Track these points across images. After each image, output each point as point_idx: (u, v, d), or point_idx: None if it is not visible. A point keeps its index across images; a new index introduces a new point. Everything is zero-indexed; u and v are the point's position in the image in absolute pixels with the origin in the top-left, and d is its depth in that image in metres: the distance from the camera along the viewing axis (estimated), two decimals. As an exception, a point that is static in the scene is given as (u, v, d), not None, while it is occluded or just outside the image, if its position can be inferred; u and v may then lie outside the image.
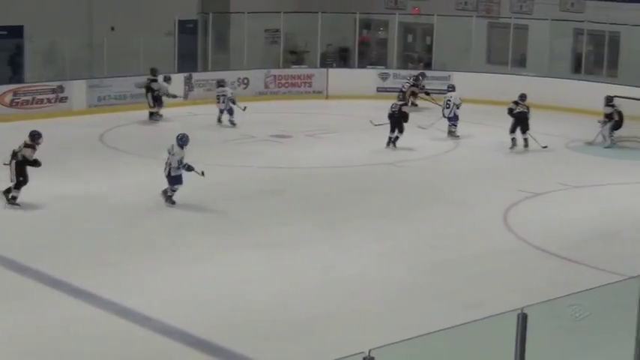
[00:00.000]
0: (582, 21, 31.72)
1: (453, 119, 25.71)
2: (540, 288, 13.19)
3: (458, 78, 31.61)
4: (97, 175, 20.24)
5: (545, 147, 24.15)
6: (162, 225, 17.09)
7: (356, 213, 18.01)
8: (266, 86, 31.87)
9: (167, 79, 27.86)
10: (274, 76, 32.12)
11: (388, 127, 24.06)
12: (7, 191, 17.87)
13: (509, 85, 30.83)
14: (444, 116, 25.82)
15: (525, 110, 24.31)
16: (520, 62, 33.62)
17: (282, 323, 12.47)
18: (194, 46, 32.99)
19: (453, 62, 32.94)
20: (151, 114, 27.10)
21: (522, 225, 17.41)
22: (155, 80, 27.22)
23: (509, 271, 15.00)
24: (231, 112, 26.57)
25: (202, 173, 18.06)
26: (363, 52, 35.44)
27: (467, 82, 31.42)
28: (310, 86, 32.32)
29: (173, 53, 30.89)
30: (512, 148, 24.17)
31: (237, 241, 16.09)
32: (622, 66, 31.35)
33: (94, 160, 21.85)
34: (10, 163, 17.87)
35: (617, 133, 24.96)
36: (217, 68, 31.46)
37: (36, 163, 17.88)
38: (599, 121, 25.08)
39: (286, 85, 32.13)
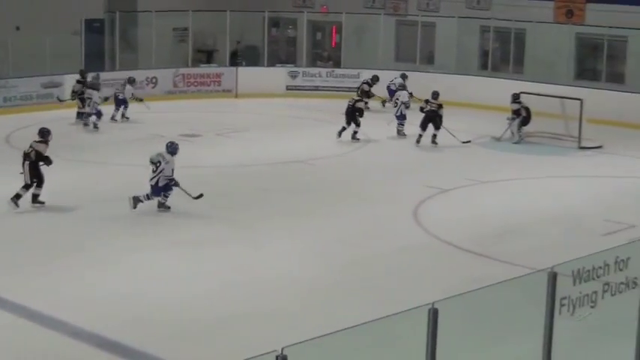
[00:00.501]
0: (489, 18, 32.15)
1: (400, 118, 25.66)
2: (450, 283, 13.31)
3: (367, 75, 31.79)
4: (3, 178, 19.87)
5: (468, 142, 24.36)
6: (74, 226, 16.87)
7: (268, 211, 17.98)
8: (175, 85, 31.66)
9: (132, 82, 27.55)
10: (183, 75, 31.93)
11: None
12: (17, 197, 17.67)
13: (417, 82, 31.12)
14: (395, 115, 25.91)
15: (435, 108, 24.50)
16: (428, 59, 33.95)
17: (196, 323, 12.39)
18: (101, 46, 32.60)
19: (362, 60, 33.09)
20: (79, 114, 26.54)
21: (432, 221, 17.57)
22: (83, 82, 26.76)
23: (420, 266, 15.12)
24: (126, 105, 26.96)
25: (199, 196, 17.64)
26: (273, 51, 35.43)
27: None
28: (219, 85, 32.20)
29: (80, 53, 30.49)
30: (417, 143, 24.37)
31: (150, 242, 15.96)
32: (528, 62, 31.84)
33: (0, 162, 21.46)
34: (22, 165, 17.85)
35: (525, 128, 25.36)
36: (125, 67, 31.14)
37: (47, 160, 17.87)
38: (508, 118, 25.41)
39: (195, 84, 31.98)
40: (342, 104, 28.35)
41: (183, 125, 26.09)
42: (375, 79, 29.93)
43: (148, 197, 17.47)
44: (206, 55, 34.90)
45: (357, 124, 24.82)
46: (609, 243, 13.15)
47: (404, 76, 29.62)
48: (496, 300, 7.99)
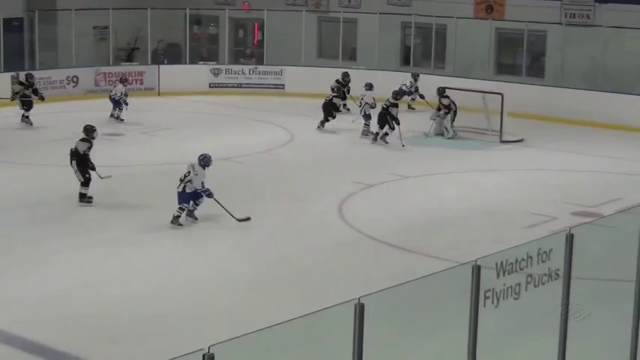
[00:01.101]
0: (410, 14, 32.34)
1: (365, 118, 25.34)
2: (377, 278, 13.38)
3: (290, 72, 31.87)
4: None
5: (403, 146, 24.44)
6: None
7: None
8: (96, 84, 31.31)
9: (124, 81, 27.15)
10: (104, 73, 31.58)
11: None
12: (82, 196, 17.88)
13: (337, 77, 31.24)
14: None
15: (386, 106, 24.46)
16: (350, 56, 34.07)
17: (124, 323, 12.29)
18: (20, 45, 32.13)
19: (285, 56, 33.09)
20: (24, 116, 26.06)
21: (357, 217, 17.64)
22: (26, 84, 26.19)
23: (346, 262, 15.18)
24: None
25: (244, 219, 17.00)
26: (195, 48, 35.24)
27: (298, 77, 31.75)
28: (142, 83, 31.95)
29: (-1, 52, 30.06)
30: (373, 140, 24.55)
31: (77, 241, 15.79)
32: (449, 58, 32.13)
33: None
34: (71, 164, 17.89)
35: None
36: (45, 67, 30.75)
37: (86, 158, 17.91)
38: (437, 115, 25.54)
39: (117, 82, 31.66)
40: (266, 101, 28.40)
41: (105, 124, 25.82)
42: (346, 76, 28.60)
43: (181, 209, 16.96)
44: (127, 54, 34.60)
45: (333, 117, 25.68)
46: (532, 235, 13.36)
47: (416, 76, 29.18)
48: (421, 294, 8.05)
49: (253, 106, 28.69)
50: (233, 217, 16.80)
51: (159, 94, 31.71)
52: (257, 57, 34.71)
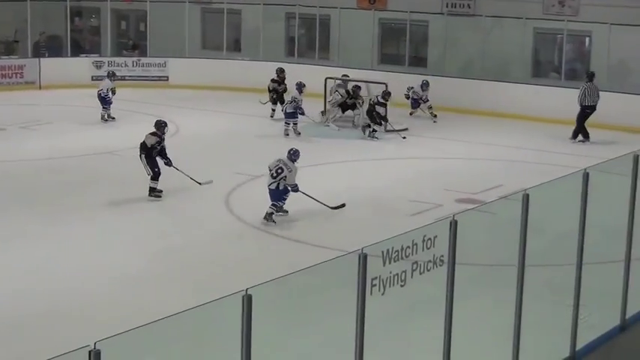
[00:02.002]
0: (294, 5, 32.41)
1: (290, 117, 24.74)
2: (265, 268, 13.39)
3: (174, 64, 31.64)
4: None
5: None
6: None
7: (78, 204, 17.64)
8: (-25, 78, 30.63)
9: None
10: (-17, 67, 30.90)
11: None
12: (152, 190, 17.99)
13: (224, 70, 31.21)
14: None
15: (372, 102, 24.54)
16: (235, 47, 33.97)
17: (3, 325, 12.05)
18: None
19: (169, 48, 32.83)
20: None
21: (243, 208, 17.63)
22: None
23: (233, 254, 15.16)
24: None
25: (338, 206, 16.83)
26: (76, 41, 34.66)
27: (183, 68, 31.55)
28: (22, 77, 31.29)
29: None
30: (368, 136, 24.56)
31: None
32: (333, 48, 32.29)
33: None
34: (140, 158, 18.09)
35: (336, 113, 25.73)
36: None
37: (153, 149, 17.92)
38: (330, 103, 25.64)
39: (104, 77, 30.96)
40: (150, 93, 28.13)
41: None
42: (426, 86, 27.13)
43: (275, 206, 16.71)
44: (6, 47, 33.85)
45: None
46: (416, 223, 13.51)
47: (426, 85, 27.23)
48: (309, 283, 8.09)
49: (137, 98, 28.36)
50: (327, 206, 16.75)
51: (40, 88, 31.11)
52: (140, 49, 34.34)
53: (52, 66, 31.61)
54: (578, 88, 25.08)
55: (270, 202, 16.71)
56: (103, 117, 25.77)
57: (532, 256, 10.08)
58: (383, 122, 24.45)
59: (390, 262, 8.24)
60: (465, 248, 9.16)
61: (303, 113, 24.45)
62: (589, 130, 24.45)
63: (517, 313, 9.78)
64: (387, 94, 24.72)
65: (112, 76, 26.58)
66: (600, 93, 24.89)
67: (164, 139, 18.47)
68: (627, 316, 11.67)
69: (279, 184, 16.89)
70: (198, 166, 20.89)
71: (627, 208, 11.64)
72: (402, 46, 31.35)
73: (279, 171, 16.90)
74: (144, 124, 25.10)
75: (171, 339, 6.97)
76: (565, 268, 11.08)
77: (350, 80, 26.58)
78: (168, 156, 18.44)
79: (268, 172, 17.04)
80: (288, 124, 24.50)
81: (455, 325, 8.87)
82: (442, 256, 8.80)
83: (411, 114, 27.14)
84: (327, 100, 25.95)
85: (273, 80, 26.84)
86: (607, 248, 12.54)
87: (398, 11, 30.83)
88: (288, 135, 24.29)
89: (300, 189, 16.96)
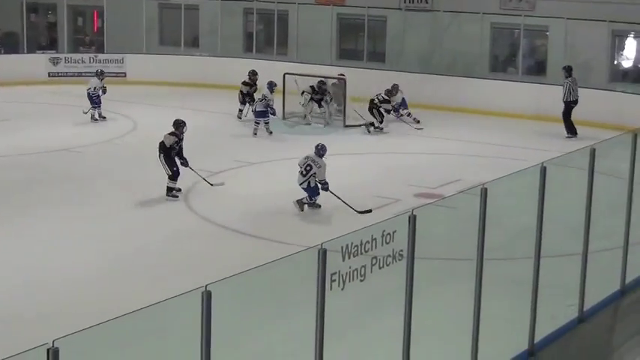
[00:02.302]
0: (252, 0, 32.36)
1: (259, 115, 24.35)
2: (224, 265, 13.36)
3: (131, 60, 31.48)
4: None
5: (420, 129, 24.35)
6: None
7: (33, 203, 17.49)
8: None
9: (100, 74, 25.59)
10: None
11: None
12: (169, 190, 17.83)
13: (182, 66, 31.12)
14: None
15: (377, 101, 24.68)
16: (193, 43, 33.86)
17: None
18: None
19: (126, 44, 32.65)
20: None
21: (203, 205, 17.58)
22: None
23: (193, 251, 15.11)
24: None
25: (365, 211, 16.41)
26: (32, 37, 34.37)
27: (141, 64, 31.40)
28: (-23, 74, 31.02)
29: None
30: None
31: None
32: (292, 44, 32.27)
33: None
34: (159, 157, 17.92)
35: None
36: None
37: (172, 149, 17.96)
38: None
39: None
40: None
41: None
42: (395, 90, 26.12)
43: (311, 198, 16.76)
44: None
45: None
46: (376, 218, 13.56)
47: (394, 90, 26.02)
48: (269, 279, 8.08)
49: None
50: (355, 210, 16.32)
51: (-5, 85, 30.86)
52: (97, 45, 34.13)
53: (8, 62, 31.36)
54: (536, 83, 25.28)
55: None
56: (93, 117, 25.21)
57: (491, 250, 10.15)
58: (393, 113, 24.80)
59: (349, 257, 8.26)
60: (424, 243, 9.19)
61: (274, 113, 24.28)
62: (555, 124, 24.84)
63: (476, 307, 9.83)
64: (389, 92, 24.78)
65: (100, 74, 25.81)
66: (557, 88, 25.11)
67: (182, 138, 18.31)
68: (585, 309, 11.78)
69: (309, 181, 16.81)
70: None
71: (585, 201, 11.74)
72: (361, 41, 31.40)
73: (308, 168, 16.84)
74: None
75: (130, 336, 6.94)
76: (523, 261, 11.16)
77: (314, 76, 26.52)
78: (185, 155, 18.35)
79: (298, 169, 16.97)
80: (258, 123, 24.02)
81: (414, 318, 8.90)
82: (401, 250, 8.83)
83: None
84: (299, 102, 25.71)
85: (244, 83, 26.28)
86: (565, 241, 12.65)
87: (356, 7, 30.89)
88: (256, 135, 23.91)
89: (329, 188, 16.88)
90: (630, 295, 12.76)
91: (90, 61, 31.96)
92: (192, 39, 34.02)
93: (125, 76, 31.68)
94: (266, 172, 20.37)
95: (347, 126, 25.08)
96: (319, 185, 16.97)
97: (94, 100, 25.31)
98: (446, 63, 29.09)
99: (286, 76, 26.24)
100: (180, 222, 16.60)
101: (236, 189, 18.88)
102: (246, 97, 25.81)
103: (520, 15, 28.08)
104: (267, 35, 33.10)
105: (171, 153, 18.06)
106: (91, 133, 23.68)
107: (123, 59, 31.81)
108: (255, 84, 26.37)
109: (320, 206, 17.15)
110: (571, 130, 24.51)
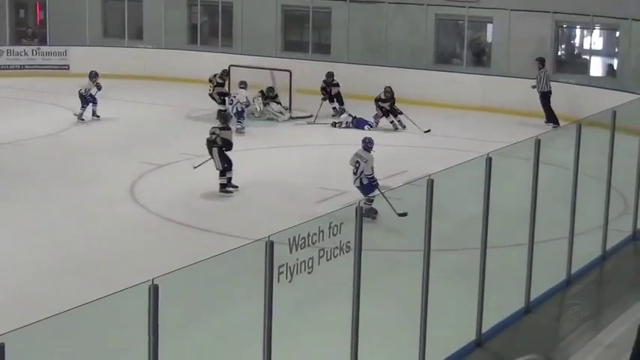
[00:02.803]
0: (196, -8, 32.22)
1: (237, 116, 23.73)
2: (171, 258, 13.29)
3: (75, 53, 31.17)
4: None
5: (428, 131, 24.10)
6: None
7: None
8: None
9: (93, 77, 24.81)
10: None
11: None
12: (223, 185, 17.81)
13: (126, 58, 30.90)
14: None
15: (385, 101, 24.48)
16: (137, 35, 33.59)
17: None
18: None
19: (69, 36, 32.31)
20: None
21: (149, 198, 17.48)
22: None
23: (139, 244, 15.02)
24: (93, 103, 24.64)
25: (402, 213, 14.46)
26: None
27: (84, 57, 31.05)
28: None
29: None
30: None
31: None
32: (236, 36, 32.13)
33: None
34: (210, 153, 17.92)
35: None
36: None
37: (230, 146, 18.01)
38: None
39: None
40: (51, 82, 27.69)
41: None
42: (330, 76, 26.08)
43: (369, 200, 15.38)
44: None
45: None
46: (323, 210, 13.56)
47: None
48: (216, 272, 8.06)
49: (37, 87, 27.89)
50: (396, 212, 14.86)
51: (-64, 79, 30.40)
52: (40, 37, 33.73)
53: (-52, 57, 30.89)
54: (480, 74, 25.40)
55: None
56: (79, 116, 24.42)
57: (438, 241, 10.21)
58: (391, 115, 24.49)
59: (296, 250, 8.26)
60: (371, 234, 9.22)
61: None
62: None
63: (424, 298, 9.88)
64: (387, 92, 24.65)
65: (94, 77, 24.96)
66: (501, 79, 25.37)
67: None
68: (531, 299, 11.88)
69: (361, 179, 16.30)
70: (102, 155, 20.66)
71: (530, 192, 11.84)
72: (306, 33, 31.35)
73: (357, 165, 16.36)
74: (44, 115, 24.79)
75: (78, 331, 6.89)
76: (470, 251, 11.23)
77: (259, 68, 26.36)
78: None
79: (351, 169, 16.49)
80: (240, 122, 23.61)
81: (362, 310, 8.92)
82: (349, 242, 8.84)
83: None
84: (252, 111, 25.31)
85: (218, 84, 25.45)
86: (511, 232, 12.76)
87: (301, -2, 30.85)
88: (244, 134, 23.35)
89: (379, 186, 16.19)
90: (576, 285, 12.90)
91: (32, 54, 31.61)
92: (136, 31, 33.75)
93: (68, 68, 31.35)
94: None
95: (292, 118, 25.04)
96: (369, 179, 16.23)
97: (86, 100, 24.56)
98: (391, 54, 29.13)
99: (232, 68, 26.12)
100: (125, 215, 16.48)
101: (182, 181, 18.77)
102: (222, 96, 25.19)
103: (464, 7, 28.20)
104: (212, 27, 32.94)
105: (226, 147, 17.92)
106: (34, 126, 23.40)
107: (66, 52, 31.49)
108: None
109: (377, 212, 15.09)
110: (554, 120, 24.82)
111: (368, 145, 16.70)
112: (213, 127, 18.15)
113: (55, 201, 17.19)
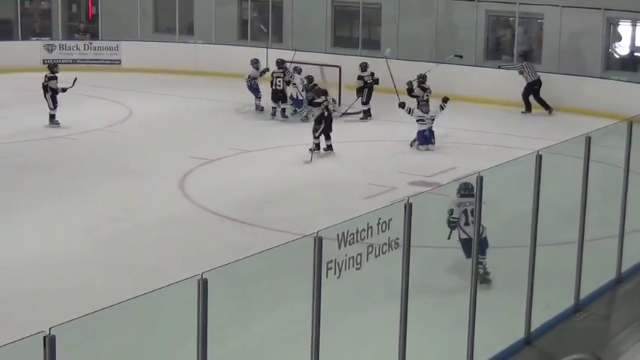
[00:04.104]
0: (246, -13, 32.29)
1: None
2: (220, 253, 13.35)
3: (126, 47, 31.37)
4: None
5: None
6: None
7: (29, 190, 17.45)
8: None
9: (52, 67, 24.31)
10: None
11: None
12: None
13: (177, 53, 31.02)
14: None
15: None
16: (188, 30, 33.74)
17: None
18: None
19: (121, 31, 32.53)
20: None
21: (198, 192, 17.54)
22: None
23: (188, 238, 15.08)
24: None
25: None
26: (27, 24, 34.18)
27: (135, 52, 31.29)
28: (-29, 61, 30.88)
29: None
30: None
31: None
32: (286, 31, 32.15)
33: None
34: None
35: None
36: None
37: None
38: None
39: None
40: (102, 77, 27.89)
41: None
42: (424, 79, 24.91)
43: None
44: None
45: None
46: (371, 206, 13.50)
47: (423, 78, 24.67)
48: (264, 267, 8.05)
49: (89, 82, 28.07)
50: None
51: (-10, 72, 30.72)
52: (92, 32, 33.97)
53: (2, 49, 31.18)
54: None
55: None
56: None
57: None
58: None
59: (345, 246, 8.23)
60: (420, 231, 9.17)
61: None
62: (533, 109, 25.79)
63: (472, 295, 9.81)
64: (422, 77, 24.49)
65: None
66: (553, 76, 25.31)
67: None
68: (581, 297, 11.77)
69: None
70: (153, 150, 20.81)
71: (580, 189, 11.72)
72: (355, 28, 31.29)
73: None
74: (96, 109, 24.98)
75: (126, 325, 6.91)
76: (519, 249, 11.14)
77: (309, 64, 26.35)
78: None
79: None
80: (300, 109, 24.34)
81: (410, 308, 8.88)
82: (397, 238, 8.80)
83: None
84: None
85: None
86: (561, 230, 12.63)
87: (350, -7, 30.80)
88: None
89: None
90: (626, 284, 12.75)
91: (84, 48, 31.87)
92: (187, 26, 33.89)
93: (120, 63, 31.60)
94: (261, 160, 20.31)
95: (343, 114, 25.00)
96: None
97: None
98: (442, 51, 28.97)
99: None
100: (174, 209, 16.55)
101: (231, 176, 18.83)
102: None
103: (515, 2, 27.98)
104: (262, 22, 32.98)
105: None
106: (86, 120, 23.57)
107: (118, 46, 31.70)
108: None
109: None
110: (528, 108, 25.87)
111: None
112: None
113: (106, 194, 17.31)
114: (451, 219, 11.81)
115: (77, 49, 31.83)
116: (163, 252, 14.29)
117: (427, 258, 10.84)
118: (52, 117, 23.24)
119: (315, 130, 20.41)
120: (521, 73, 26.22)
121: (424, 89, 23.74)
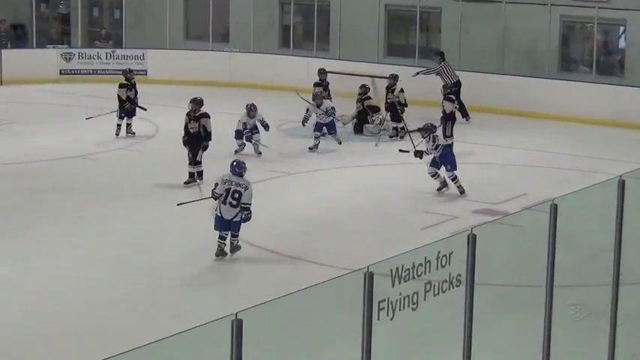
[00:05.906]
0: (289, -10, 32.46)
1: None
2: (257, 289, 13.35)
3: (153, 56, 31.59)
4: None
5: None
6: None
7: (44, 216, 17.57)
8: None
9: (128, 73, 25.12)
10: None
11: None
12: None
13: (211, 62, 31.18)
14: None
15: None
16: (223, 37, 33.94)
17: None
18: None
19: (147, 39, 32.79)
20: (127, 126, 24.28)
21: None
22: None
23: (221, 271, 15.09)
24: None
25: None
26: (43, 30, 34.58)
27: (163, 61, 31.51)
28: (-19, 71, 31.29)
29: None
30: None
31: None
32: (334, 38, 32.20)
33: None
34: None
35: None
36: None
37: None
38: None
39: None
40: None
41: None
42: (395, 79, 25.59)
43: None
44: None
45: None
46: (429, 237, 13.45)
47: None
48: (307, 306, 8.04)
49: (111, 95, 28.26)
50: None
51: (1, 83, 31.07)
52: (115, 39, 34.27)
53: (15, 58, 31.55)
54: (613, 84, 25.30)
55: None
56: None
57: (561, 275, 10.04)
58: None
59: (399, 282, 8.19)
60: (485, 266, 9.11)
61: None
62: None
63: (545, 340, 9.72)
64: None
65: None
66: (636, 90, 25.33)
67: None
68: (670, 344, 11.63)
69: None
70: (182, 170, 20.86)
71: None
72: (412, 36, 31.29)
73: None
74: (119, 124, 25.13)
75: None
76: (599, 288, 11.03)
77: (359, 75, 26.41)
78: None
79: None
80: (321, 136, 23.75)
81: (474, 354, 8.82)
82: (459, 275, 8.75)
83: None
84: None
85: (316, 84, 25.89)
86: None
87: (407, -3, 30.84)
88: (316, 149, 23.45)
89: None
90: None
91: (106, 57, 32.11)
92: (222, 33, 34.09)
93: (146, 74, 31.76)
94: (305, 183, 20.32)
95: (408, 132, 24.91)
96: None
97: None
98: (509, 61, 28.90)
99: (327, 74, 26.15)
100: (206, 238, 16.56)
101: (270, 201, 18.82)
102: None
103: (593, 7, 27.86)
104: (306, 28, 33.10)
105: None
106: (105, 138, 23.73)
107: (144, 55, 31.92)
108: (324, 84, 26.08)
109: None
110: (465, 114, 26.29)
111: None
112: None
113: (130, 221, 17.38)
114: None
115: (98, 57, 32.11)
116: (195, 287, 14.31)
117: (493, 297, 10.77)
118: (127, 126, 24.26)
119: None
120: (438, 74, 26.69)
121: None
